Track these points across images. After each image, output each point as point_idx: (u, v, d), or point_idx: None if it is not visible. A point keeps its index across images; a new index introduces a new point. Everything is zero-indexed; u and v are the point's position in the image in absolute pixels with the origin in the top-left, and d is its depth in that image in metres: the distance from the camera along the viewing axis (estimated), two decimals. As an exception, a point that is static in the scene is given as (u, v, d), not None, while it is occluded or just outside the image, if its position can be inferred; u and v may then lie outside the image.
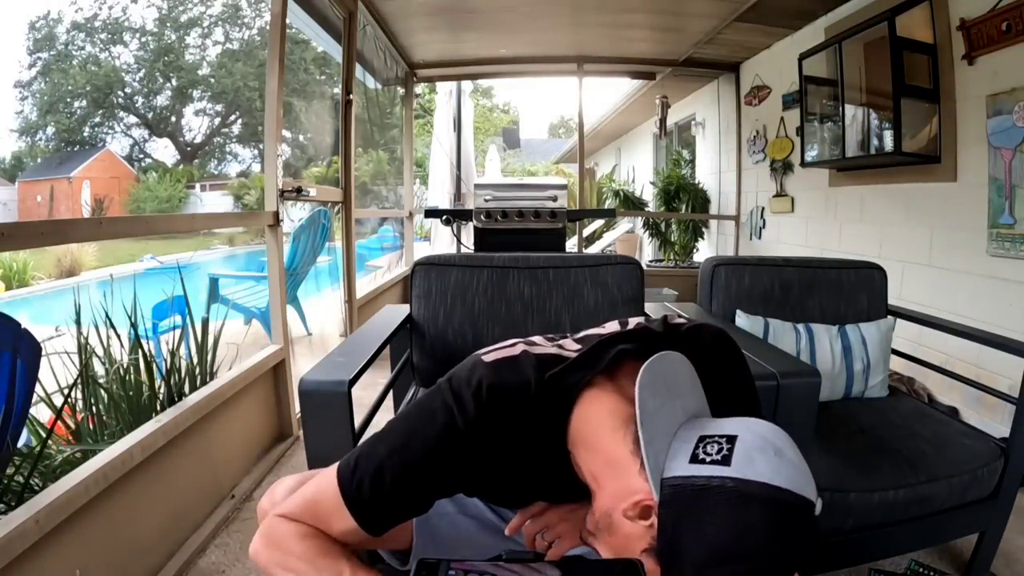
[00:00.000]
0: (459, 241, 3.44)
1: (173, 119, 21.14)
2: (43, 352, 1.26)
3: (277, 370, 2.17)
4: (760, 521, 0.53)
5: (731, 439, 0.56)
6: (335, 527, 0.66)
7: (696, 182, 5.35)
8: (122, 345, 1.77)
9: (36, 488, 1.22)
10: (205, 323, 1.98)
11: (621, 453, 0.61)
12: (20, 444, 1.30)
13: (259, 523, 0.77)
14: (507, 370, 0.66)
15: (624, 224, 6.56)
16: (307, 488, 0.69)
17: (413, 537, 0.84)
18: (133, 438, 1.36)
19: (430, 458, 0.64)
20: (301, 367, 2.27)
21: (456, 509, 0.88)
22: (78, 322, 1.68)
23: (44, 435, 1.40)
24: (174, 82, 20.51)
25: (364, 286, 3.66)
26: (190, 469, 1.60)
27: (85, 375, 1.61)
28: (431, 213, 3.74)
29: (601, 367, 0.66)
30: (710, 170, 5.24)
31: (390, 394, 1.38)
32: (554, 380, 0.65)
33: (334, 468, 0.68)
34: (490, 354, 0.69)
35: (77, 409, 1.62)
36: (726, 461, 0.55)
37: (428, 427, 0.65)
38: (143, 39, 19.76)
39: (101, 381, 1.69)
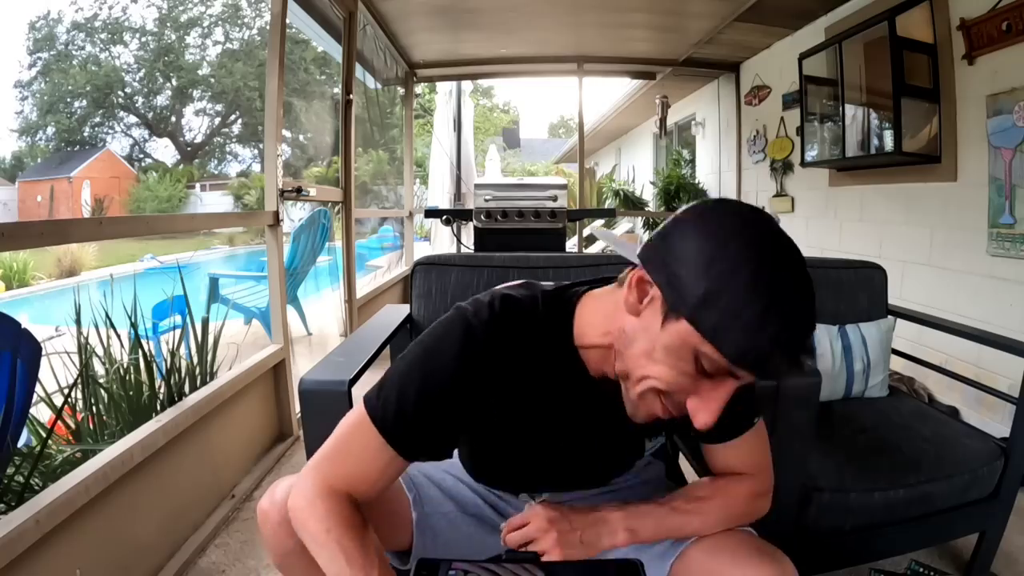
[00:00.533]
0: (459, 241, 3.44)
1: (173, 119, 21.15)
2: (43, 352, 1.25)
3: (277, 370, 2.17)
4: (721, 218, 0.59)
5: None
6: (370, 465, 0.67)
7: (696, 182, 5.35)
8: (122, 345, 1.77)
9: (36, 488, 1.22)
10: (205, 323, 1.98)
11: (616, 299, 0.67)
12: (20, 444, 1.30)
13: (259, 523, 0.77)
14: (517, 288, 0.75)
15: (624, 224, 6.56)
16: (336, 432, 0.69)
17: (413, 537, 0.84)
18: (133, 438, 1.36)
19: (452, 365, 0.67)
20: (301, 367, 2.28)
21: (456, 508, 0.88)
22: (78, 322, 1.68)
23: (44, 435, 1.40)
24: (174, 82, 20.51)
25: (364, 286, 3.66)
26: (190, 469, 1.60)
27: (85, 375, 1.61)
28: (431, 213, 3.74)
29: (595, 282, 0.75)
30: (710, 170, 5.24)
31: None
32: (558, 291, 0.75)
33: (359, 404, 0.69)
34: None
35: (77, 409, 1.61)
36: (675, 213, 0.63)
37: (449, 334, 0.69)
38: (143, 39, 19.77)
39: (101, 381, 1.69)
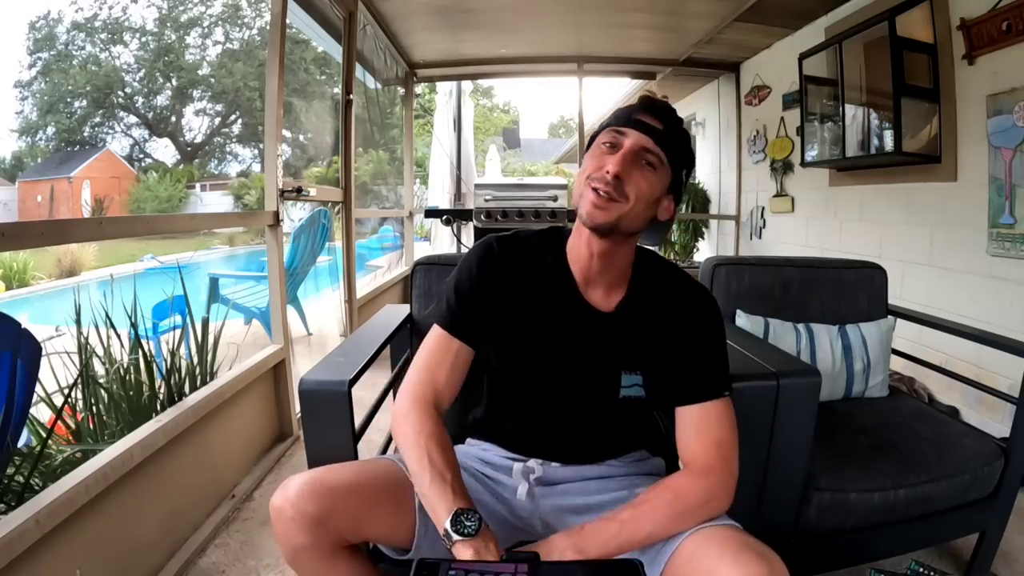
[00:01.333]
0: (459, 241, 3.45)
1: (173, 119, 21.15)
2: (43, 352, 1.25)
3: (277, 370, 2.17)
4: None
5: None
6: (444, 358, 0.90)
7: (696, 182, 5.35)
8: (122, 345, 1.77)
9: (36, 488, 1.22)
10: (205, 323, 1.98)
11: None
12: (20, 444, 1.30)
13: (272, 520, 0.79)
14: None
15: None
16: (417, 352, 0.94)
17: (414, 535, 0.84)
18: (133, 438, 1.36)
19: (475, 267, 0.93)
20: (301, 367, 2.28)
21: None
22: (78, 322, 1.68)
23: (44, 435, 1.40)
24: (174, 82, 20.50)
25: (364, 286, 3.66)
26: (190, 469, 1.60)
27: (85, 375, 1.61)
28: (431, 213, 3.74)
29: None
30: (710, 170, 5.24)
31: (390, 394, 1.38)
32: (553, 228, 1.00)
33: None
34: None
35: (77, 409, 1.61)
36: None
37: (472, 254, 0.96)
38: (143, 39, 19.77)
39: (101, 381, 1.69)
